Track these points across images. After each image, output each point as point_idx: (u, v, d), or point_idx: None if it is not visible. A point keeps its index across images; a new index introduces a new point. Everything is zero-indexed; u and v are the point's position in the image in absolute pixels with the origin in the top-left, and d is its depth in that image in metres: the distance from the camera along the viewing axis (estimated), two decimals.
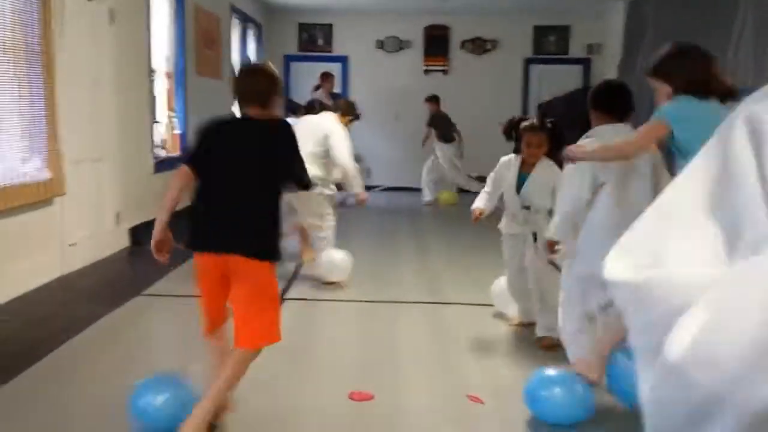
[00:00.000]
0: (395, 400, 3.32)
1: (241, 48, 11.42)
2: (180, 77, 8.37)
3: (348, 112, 5.95)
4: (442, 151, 11.17)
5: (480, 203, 4.34)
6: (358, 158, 12.68)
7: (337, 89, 12.56)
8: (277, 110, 3.04)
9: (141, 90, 7.29)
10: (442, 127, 11.15)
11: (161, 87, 8.07)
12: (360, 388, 3.38)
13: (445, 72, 13.07)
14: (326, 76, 10.85)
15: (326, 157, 5.50)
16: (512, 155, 4.30)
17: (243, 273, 2.77)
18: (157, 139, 7.80)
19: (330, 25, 13.18)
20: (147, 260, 6.40)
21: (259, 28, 12.38)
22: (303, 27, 13.21)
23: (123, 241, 6.74)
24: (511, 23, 12.72)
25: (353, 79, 13.20)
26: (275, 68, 3.06)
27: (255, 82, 2.96)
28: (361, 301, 5.13)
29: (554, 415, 3.04)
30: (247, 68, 3.81)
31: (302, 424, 3.11)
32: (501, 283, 4.62)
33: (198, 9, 8.91)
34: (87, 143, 6.07)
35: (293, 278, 5.72)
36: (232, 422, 3.03)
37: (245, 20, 11.53)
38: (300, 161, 2.96)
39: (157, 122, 7.82)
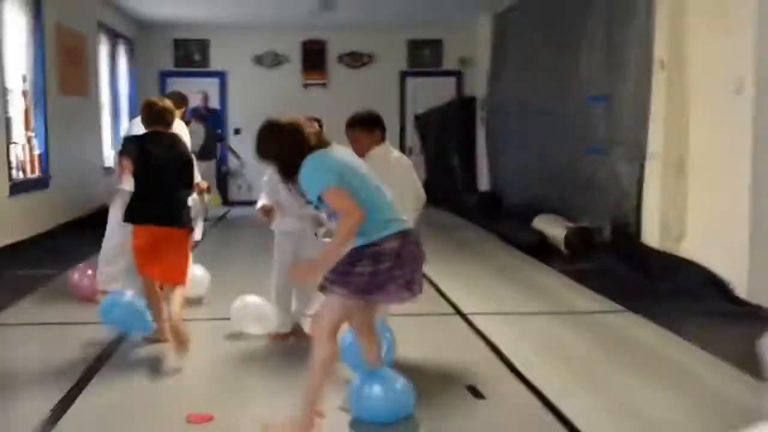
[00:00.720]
0: (238, 419, 3.31)
1: (110, 65, 11.12)
2: (40, 96, 8.07)
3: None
4: None
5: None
6: (237, 174, 12.62)
7: (214, 105, 12.46)
8: None
9: None
10: None
11: (18, 107, 7.74)
12: (201, 410, 3.35)
13: (323, 86, 13.15)
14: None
15: None
16: None
17: None
18: (13, 160, 7.48)
19: (206, 41, 13.04)
20: (3, 287, 6.21)
21: (131, 44, 12.10)
22: (178, 43, 13.00)
23: None
24: (386, 37, 12.94)
25: (232, 95, 13.09)
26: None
27: None
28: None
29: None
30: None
31: None
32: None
33: (59, 27, 8.62)
34: None
35: None
36: None
37: (115, 36, 11.24)
38: None
39: (13, 143, 7.51)
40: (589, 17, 7.67)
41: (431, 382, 3.72)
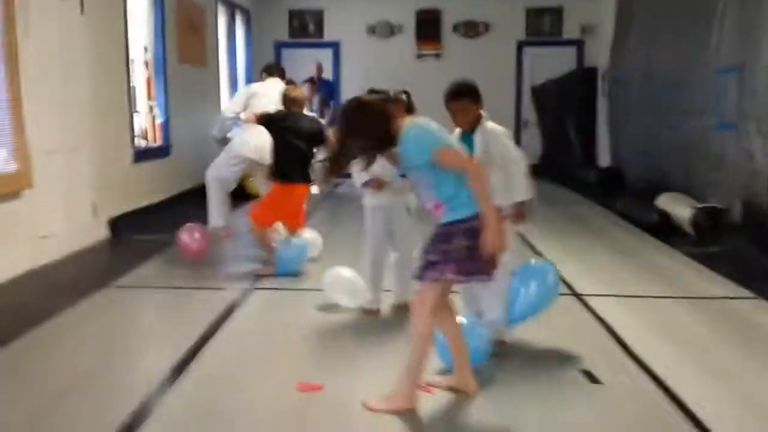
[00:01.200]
0: (346, 390, 3.26)
1: (228, 36, 11.34)
2: (160, 66, 8.30)
3: None
4: None
5: None
6: None
7: (327, 75, 12.50)
8: None
9: (118, 80, 7.23)
10: None
11: (140, 76, 8.00)
12: (311, 379, 3.32)
13: (437, 56, 12.95)
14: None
15: None
16: None
17: None
18: (137, 129, 7.75)
19: (321, 11, 13.07)
20: (125, 251, 6.46)
21: (247, 14, 12.29)
22: (293, 13, 13.11)
23: (101, 233, 6.70)
24: (504, 5, 12.58)
25: (345, 66, 13.10)
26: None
27: None
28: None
29: None
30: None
31: (249, 416, 3.06)
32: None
33: None
34: (59, 134, 6.03)
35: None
36: (173, 415, 3.01)
37: (232, 7, 11.44)
38: None
39: (136, 112, 7.77)
40: None
41: (545, 366, 3.56)
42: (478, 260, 2.93)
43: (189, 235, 5.78)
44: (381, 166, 3.54)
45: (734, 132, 6.73)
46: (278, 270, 5.33)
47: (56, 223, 5.93)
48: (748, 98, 6.50)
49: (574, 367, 3.55)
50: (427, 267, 3.00)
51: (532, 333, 3.97)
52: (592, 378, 3.40)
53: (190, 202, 8.34)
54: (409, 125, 2.99)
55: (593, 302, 4.70)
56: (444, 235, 2.97)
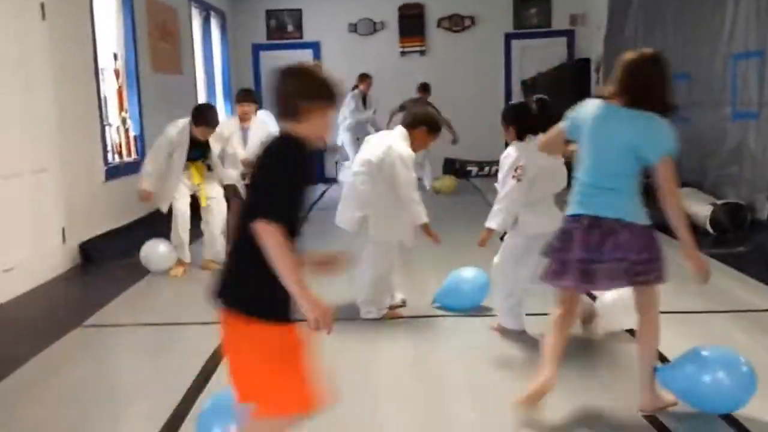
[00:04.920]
0: None
1: (203, 39, 10.74)
2: (132, 75, 7.70)
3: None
4: None
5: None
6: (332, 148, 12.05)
7: None
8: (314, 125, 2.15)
9: (87, 91, 6.64)
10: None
11: (111, 86, 7.40)
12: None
13: (422, 53, 12.44)
14: (363, 78, 10.69)
15: None
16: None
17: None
18: (109, 143, 7.15)
19: (299, 10, 12.51)
20: (98, 280, 5.87)
21: (222, 16, 11.69)
22: (271, 13, 12.53)
23: (72, 259, 6.10)
24: None
25: (327, 65, 12.47)
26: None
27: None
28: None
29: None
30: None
31: None
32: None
33: (150, 0, 8.23)
34: (22, 154, 5.44)
35: None
36: None
37: (206, 9, 10.84)
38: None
39: (108, 125, 7.17)
40: None
41: (604, 408, 3.04)
42: None
43: None
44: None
45: (756, 121, 6.27)
46: None
47: (22, 252, 5.34)
48: None
49: (635, 409, 3.03)
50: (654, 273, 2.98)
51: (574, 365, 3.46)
52: (659, 425, 2.88)
53: (169, 221, 7.74)
54: None
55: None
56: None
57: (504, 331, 4.05)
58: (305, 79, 2.17)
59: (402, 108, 10.75)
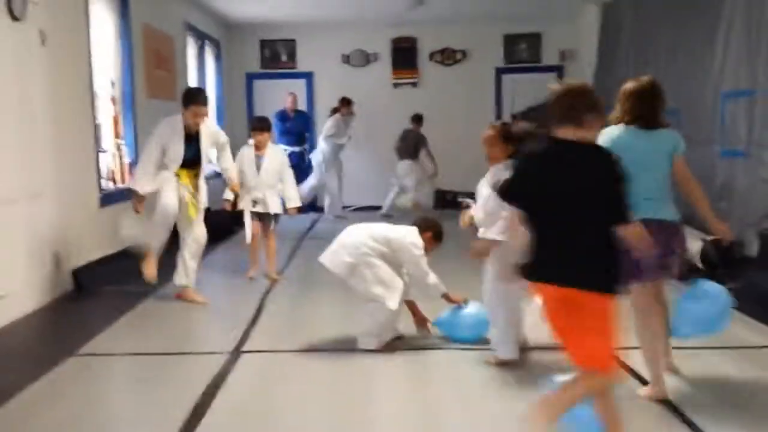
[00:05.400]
0: None
1: (198, 67, 10.79)
2: (128, 101, 7.72)
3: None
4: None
5: None
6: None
7: (302, 107, 12.02)
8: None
9: (82, 117, 6.64)
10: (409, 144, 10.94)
11: (107, 113, 7.41)
12: None
13: (414, 84, 12.56)
14: (344, 102, 10.81)
15: None
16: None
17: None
18: (103, 170, 7.14)
19: (293, 41, 12.61)
20: (91, 308, 5.83)
21: (217, 45, 11.77)
22: (265, 43, 12.62)
23: (65, 286, 6.06)
24: (481, 32, 12.24)
25: (319, 96, 12.61)
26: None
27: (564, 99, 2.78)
28: (330, 350, 4.53)
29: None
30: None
31: None
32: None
33: (147, 28, 8.29)
34: (18, 180, 5.42)
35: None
36: None
37: (202, 38, 10.91)
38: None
39: (102, 151, 7.17)
40: None
41: None
42: None
43: None
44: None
45: (745, 160, 6.37)
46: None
47: (15, 279, 5.30)
48: (760, 123, 6.15)
49: None
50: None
51: None
52: None
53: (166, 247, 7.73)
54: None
55: (632, 359, 4.21)
56: None
57: (501, 364, 4.05)
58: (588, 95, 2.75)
59: (402, 139, 10.93)
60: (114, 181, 7.40)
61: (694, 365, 4.09)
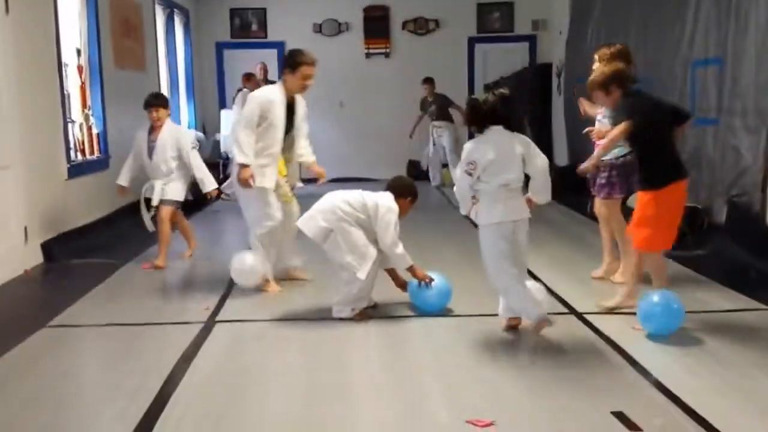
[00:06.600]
0: None
1: (167, 36, 10.62)
2: (95, 71, 7.59)
3: None
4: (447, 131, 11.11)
5: None
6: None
7: (273, 77, 11.88)
8: None
9: (50, 87, 6.52)
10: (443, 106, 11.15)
11: (74, 82, 7.28)
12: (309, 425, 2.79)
13: (387, 55, 12.48)
14: (249, 76, 10.41)
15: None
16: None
17: None
18: (72, 140, 7.03)
19: (264, 9, 12.45)
20: (62, 280, 5.77)
21: (186, 14, 11.58)
22: (235, 12, 12.44)
23: (34, 259, 5.99)
24: (454, 1, 12.18)
25: None
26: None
27: None
28: (305, 319, 4.54)
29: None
30: None
31: None
32: None
33: None
34: None
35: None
36: None
37: (170, 6, 10.72)
38: None
39: (71, 122, 7.05)
40: None
41: (573, 407, 3.10)
42: None
43: None
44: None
45: (714, 127, 6.44)
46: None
47: None
48: (730, 91, 6.21)
49: (603, 407, 3.09)
50: None
51: (544, 362, 3.52)
52: (628, 422, 2.95)
53: (133, 219, 7.65)
54: None
55: (597, 322, 4.28)
56: None
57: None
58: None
59: (424, 107, 11.04)
60: (83, 152, 7.29)
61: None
